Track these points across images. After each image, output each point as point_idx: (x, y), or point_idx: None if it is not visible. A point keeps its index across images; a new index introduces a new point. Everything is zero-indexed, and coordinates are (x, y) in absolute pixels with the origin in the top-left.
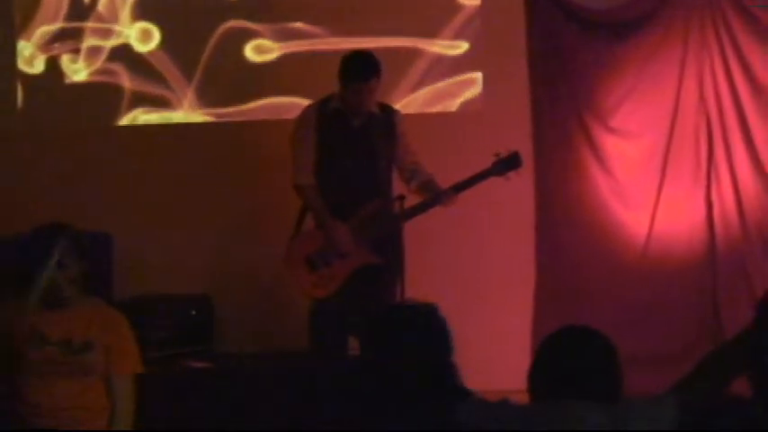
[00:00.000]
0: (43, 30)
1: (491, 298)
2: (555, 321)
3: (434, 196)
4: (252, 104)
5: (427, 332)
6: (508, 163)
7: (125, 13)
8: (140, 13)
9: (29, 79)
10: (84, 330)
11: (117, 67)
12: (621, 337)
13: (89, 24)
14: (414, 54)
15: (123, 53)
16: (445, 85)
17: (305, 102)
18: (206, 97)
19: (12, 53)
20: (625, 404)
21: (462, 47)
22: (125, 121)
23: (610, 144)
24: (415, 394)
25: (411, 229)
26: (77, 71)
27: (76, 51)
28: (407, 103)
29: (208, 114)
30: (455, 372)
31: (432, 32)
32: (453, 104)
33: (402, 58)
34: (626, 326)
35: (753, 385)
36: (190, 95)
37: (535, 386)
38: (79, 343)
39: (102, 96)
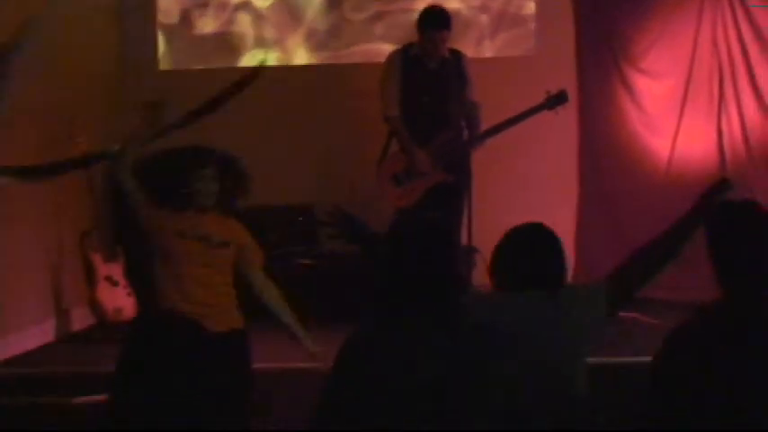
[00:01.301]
0: None
1: (540, 209)
2: (595, 227)
3: (484, 132)
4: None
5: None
6: (557, 99)
7: None
8: None
9: (166, 28)
10: (221, 231)
11: (240, 18)
12: (647, 236)
13: None
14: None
15: (245, 8)
16: (508, 35)
17: (391, 48)
18: (311, 44)
19: (153, 7)
20: (569, 290)
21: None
22: (244, 63)
23: (640, 83)
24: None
25: (477, 155)
26: (206, 23)
27: (205, 5)
28: (475, 50)
29: (313, 58)
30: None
31: None
32: (513, 52)
33: (472, 13)
34: (652, 229)
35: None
36: (299, 42)
37: (498, 278)
38: (218, 240)
39: (225, 43)
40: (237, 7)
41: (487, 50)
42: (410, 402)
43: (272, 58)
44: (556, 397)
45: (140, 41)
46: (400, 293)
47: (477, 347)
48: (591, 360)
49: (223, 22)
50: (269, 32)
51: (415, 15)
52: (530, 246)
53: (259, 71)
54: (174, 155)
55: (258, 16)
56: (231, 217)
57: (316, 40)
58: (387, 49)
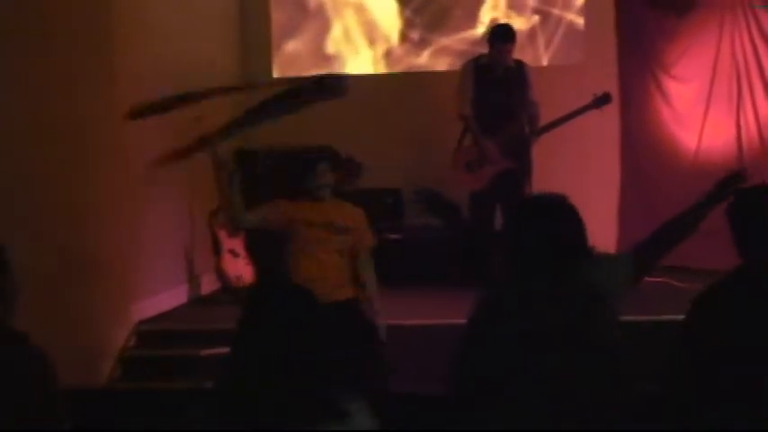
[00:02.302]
0: None
1: (589, 193)
2: (635, 208)
3: (545, 126)
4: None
5: (561, 213)
6: (603, 100)
7: None
8: None
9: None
10: (342, 218)
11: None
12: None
13: None
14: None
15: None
16: (561, 47)
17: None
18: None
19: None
20: (592, 260)
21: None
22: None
23: (671, 86)
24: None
25: (537, 146)
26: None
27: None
28: (534, 59)
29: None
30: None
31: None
32: (566, 61)
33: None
34: (681, 207)
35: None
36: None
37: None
38: (340, 226)
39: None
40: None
41: (544, 60)
42: (539, 352)
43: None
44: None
45: (257, 50)
46: (529, 259)
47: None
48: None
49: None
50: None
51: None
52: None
53: (322, 81)
54: (295, 155)
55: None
56: (349, 203)
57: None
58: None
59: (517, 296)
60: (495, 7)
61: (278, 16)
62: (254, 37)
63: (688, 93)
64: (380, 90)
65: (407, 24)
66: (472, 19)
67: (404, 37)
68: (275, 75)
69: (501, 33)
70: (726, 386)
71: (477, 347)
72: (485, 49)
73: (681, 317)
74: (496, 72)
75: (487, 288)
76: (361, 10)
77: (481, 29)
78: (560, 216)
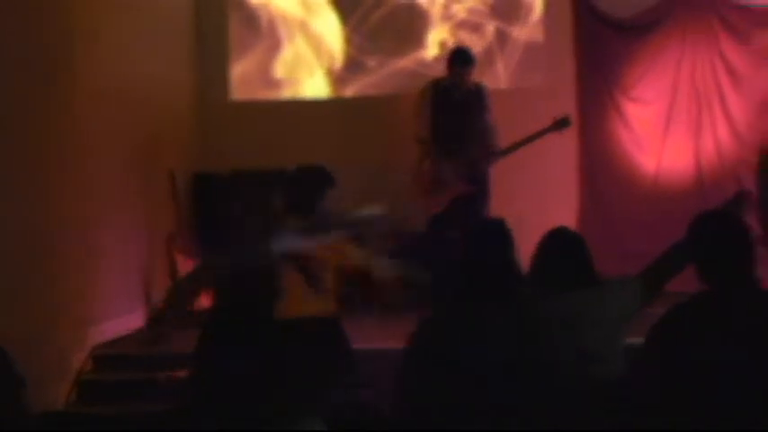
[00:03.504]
0: None
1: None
2: (594, 231)
3: (505, 150)
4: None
5: (501, 237)
6: (562, 123)
7: None
8: None
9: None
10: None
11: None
12: (638, 237)
13: None
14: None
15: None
16: (520, 70)
17: None
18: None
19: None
20: (601, 287)
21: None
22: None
23: (630, 109)
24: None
25: (496, 170)
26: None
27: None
28: (494, 82)
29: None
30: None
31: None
32: (526, 82)
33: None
34: (641, 231)
35: None
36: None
37: (535, 280)
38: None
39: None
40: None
41: (503, 82)
42: (477, 379)
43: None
44: (599, 379)
45: (214, 70)
46: (471, 286)
47: (538, 334)
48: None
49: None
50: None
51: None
52: (563, 248)
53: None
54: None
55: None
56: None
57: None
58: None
59: (460, 321)
60: (444, 29)
61: (234, 36)
62: (211, 57)
63: (647, 115)
64: (335, 114)
65: (353, 47)
66: (420, 41)
67: (350, 60)
68: (232, 96)
69: (460, 56)
70: (687, 409)
71: (421, 370)
72: (434, 71)
73: (640, 339)
74: (455, 95)
75: (432, 312)
76: (309, 32)
77: (432, 51)
78: (501, 242)
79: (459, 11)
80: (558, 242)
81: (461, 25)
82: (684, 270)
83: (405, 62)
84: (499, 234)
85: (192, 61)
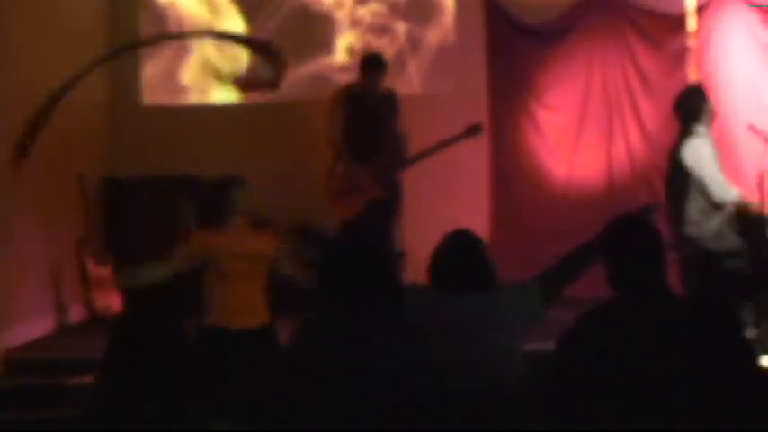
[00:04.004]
0: None
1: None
2: (505, 238)
3: (416, 156)
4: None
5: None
6: (474, 130)
7: None
8: None
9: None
10: (255, 246)
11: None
12: (550, 243)
13: None
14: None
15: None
16: (433, 73)
17: None
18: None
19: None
20: (498, 290)
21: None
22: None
23: (542, 115)
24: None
25: (408, 175)
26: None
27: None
28: (406, 88)
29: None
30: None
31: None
32: (438, 87)
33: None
34: (553, 237)
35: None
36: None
37: (433, 280)
38: (255, 254)
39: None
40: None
41: (415, 86)
42: (351, 393)
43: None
44: (492, 385)
45: (127, 77)
46: (344, 294)
47: (409, 343)
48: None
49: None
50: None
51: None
52: (462, 250)
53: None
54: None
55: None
56: (261, 228)
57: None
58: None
59: (334, 327)
60: (352, 33)
61: (145, 37)
62: (123, 59)
63: (559, 121)
64: (244, 119)
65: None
66: (328, 45)
67: (257, 64)
68: (144, 100)
69: (371, 62)
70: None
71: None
72: (344, 76)
73: (550, 345)
74: (368, 100)
75: (313, 316)
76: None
77: (340, 56)
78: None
79: (367, 14)
80: (457, 244)
81: (371, 29)
82: (584, 276)
83: (313, 67)
84: (377, 240)
85: (106, 64)
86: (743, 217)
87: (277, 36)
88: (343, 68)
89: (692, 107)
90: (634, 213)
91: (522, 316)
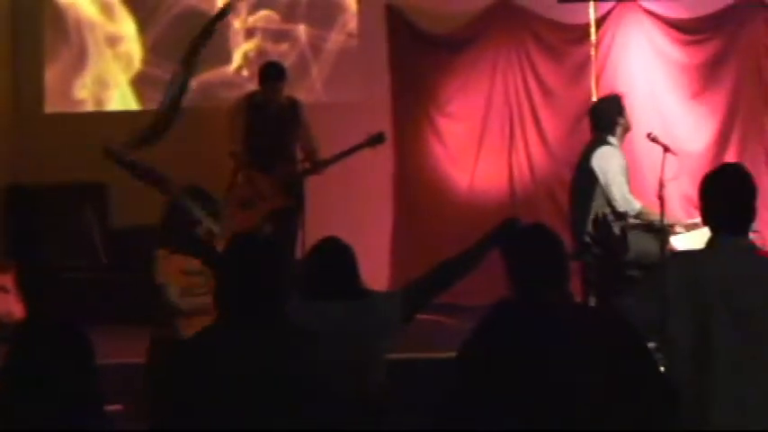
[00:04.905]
0: None
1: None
2: (408, 246)
3: (315, 165)
4: None
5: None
6: (376, 139)
7: None
8: None
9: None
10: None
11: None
12: (452, 251)
13: None
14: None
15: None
16: (337, 81)
17: None
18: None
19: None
20: (364, 299)
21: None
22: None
23: (444, 125)
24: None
25: (312, 184)
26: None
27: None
28: (309, 95)
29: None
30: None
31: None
32: (341, 98)
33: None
34: (455, 245)
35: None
36: None
37: (302, 290)
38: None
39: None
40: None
41: (318, 96)
42: (244, 398)
43: None
44: (356, 393)
45: (29, 84)
46: (236, 303)
47: (300, 346)
48: (396, 356)
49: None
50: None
51: None
52: (326, 259)
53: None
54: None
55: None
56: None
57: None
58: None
59: (222, 337)
60: (250, 41)
61: (48, 41)
62: (26, 63)
63: (461, 131)
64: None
65: (158, 58)
66: (225, 53)
67: (155, 71)
68: (46, 105)
69: (271, 71)
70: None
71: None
72: (242, 83)
73: (452, 354)
74: (270, 109)
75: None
76: (112, 40)
77: (237, 63)
78: (260, 259)
79: (264, 21)
80: (324, 253)
81: (269, 35)
82: (451, 287)
83: (211, 75)
84: (263, 250)
85: (7, 67)
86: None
87: (172, 44)
88: (242, 77)
89: (606, 116)
90: (498, 227)
91: (385, 325)
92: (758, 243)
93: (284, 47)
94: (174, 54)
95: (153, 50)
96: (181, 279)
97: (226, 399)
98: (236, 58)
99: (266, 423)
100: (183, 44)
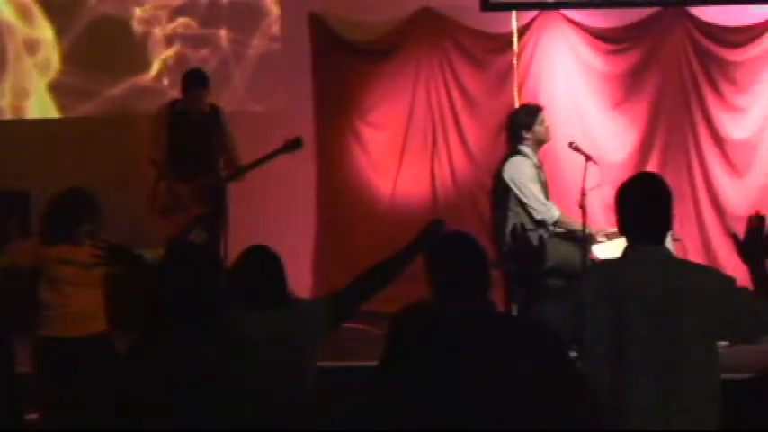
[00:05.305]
0: None
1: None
2: (331, 254)
3: (234, 172)
4: None
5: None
6: (294, 144)
7: None
8: None
9: None
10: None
11: None
12: (374, 259)
13: None
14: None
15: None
16: (259, 89)
17: None
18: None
19: None
20: (290, 307)
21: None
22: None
23: (367, 133)
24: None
25: (236, 192)
26: None
27: None
28: (232, 100)
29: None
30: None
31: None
32: (264, 103)
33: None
34: (378, 253)
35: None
36: None
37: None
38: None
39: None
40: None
41: (242, 101)
42: (182, 399)
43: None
44: (284, 400)
45: None
46: (172, 309)
47: (229, 355)
48: (322, 364)
49: None
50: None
51: None
52: (254, 268)
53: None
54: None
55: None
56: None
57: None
58: None
59: (157, 345)
60: (171, 47)
61: None
62: None
63: (384, 139)
64: (66, 135)
65: (76, 66)
66: (145, 59)
67: (75, 79)
68: None
69: (193, 79)
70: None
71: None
72: (162, 92)
73: (375, 362)
74: (192, 117)
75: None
76: (33, 49)
77: (156, 69)
78: (200, 267)
79: (184, 27)
80: (251, 260)
81: (190, 42)
82: (380, 292)
83: (130, 83)
84: (202, 258)
85: None
86: (567, 235)
87: (88, 52)
88: (163, 84)
89: (518, 126)
90: (423, 231)
91: (312, 333)
92: (680, 251)
93: (204, 52)
94: (89, 61)
95: (69, 58)
96: (56, 269)
97: (162, 401)
98: (156, 66)
99: (201, 424)
100: (100, 51)
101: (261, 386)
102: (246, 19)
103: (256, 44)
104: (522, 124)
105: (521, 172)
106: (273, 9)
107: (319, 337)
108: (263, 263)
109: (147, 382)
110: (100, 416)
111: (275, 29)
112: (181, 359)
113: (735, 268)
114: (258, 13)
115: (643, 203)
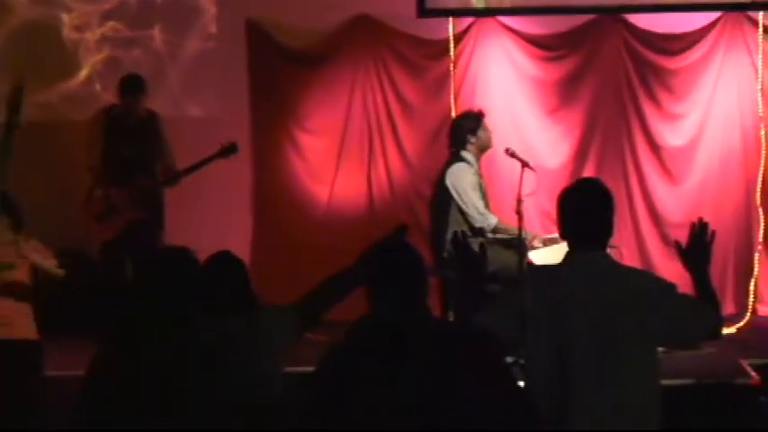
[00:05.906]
0: None
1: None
2: (267, 260)
3: (170, 177)
4: None
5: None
6: (229, 149)
7: None
8: None
9: None
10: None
11: None
12: (311, 266)
13: None
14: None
15: None
16: (194, 90)
17: None
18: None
19: None
20: (256, 313)
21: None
22: None
23: (304, 139)
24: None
25: (173, 197)
26: None
27: None
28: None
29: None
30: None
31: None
32: (200, 103)
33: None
34: (315, 260)
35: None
36: None
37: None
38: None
39: None
40: None
41: (177, 102)
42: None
43: None
44: (252, 403)
45: None
46: (142, 312)
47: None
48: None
49: None
50: None
51: None
52: (220, 273)
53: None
54: None
55: None
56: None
57: None
58: None
59: (130, 353)
60: (102, 52)
61: None
62: None
63: (321, 145)
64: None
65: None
66: (76, 64)
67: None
68: None
69: (129, 85)
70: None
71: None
72: (96, 96)
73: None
74: (128, 122)
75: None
76: None
77: (85, 73)
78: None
79: (113, 30)
80: (217, 266)
81: (122, 44)
82: (343, 300)
83: (60, 89)
84: (179, 262)
85: None
86: (504, 241)
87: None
88: (94, 89)
89: (459, 134)
90: (387, 236)
91: (277, 339)
92: (615, 257)
93: (137, 54)
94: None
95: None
96: None
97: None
98: (86, 71)
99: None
100: (29, 58)
101: (225, 390)
102: (181, 18)
103: (192, 44)
104: (467, 129)
105: (462, 179)
106: (210, 8)
107: (285, 342)
108: (228, 268)
109: (116, 394)
110: None
111: (211, 28)
112: (147, 366)
113: (672, 275)
114: (193, 12)
115: (584, 209)
